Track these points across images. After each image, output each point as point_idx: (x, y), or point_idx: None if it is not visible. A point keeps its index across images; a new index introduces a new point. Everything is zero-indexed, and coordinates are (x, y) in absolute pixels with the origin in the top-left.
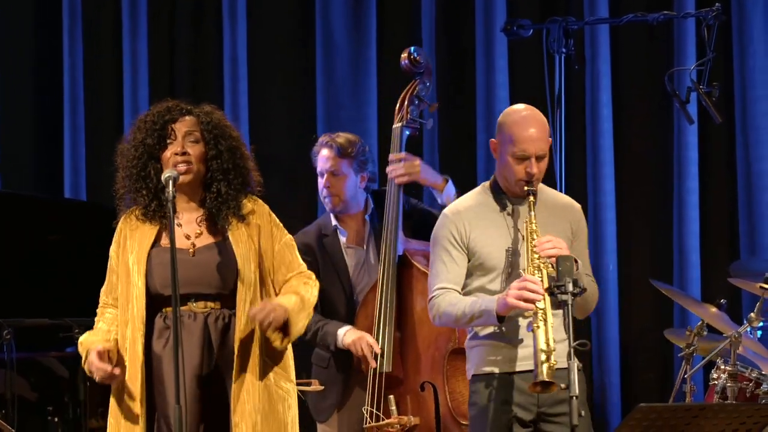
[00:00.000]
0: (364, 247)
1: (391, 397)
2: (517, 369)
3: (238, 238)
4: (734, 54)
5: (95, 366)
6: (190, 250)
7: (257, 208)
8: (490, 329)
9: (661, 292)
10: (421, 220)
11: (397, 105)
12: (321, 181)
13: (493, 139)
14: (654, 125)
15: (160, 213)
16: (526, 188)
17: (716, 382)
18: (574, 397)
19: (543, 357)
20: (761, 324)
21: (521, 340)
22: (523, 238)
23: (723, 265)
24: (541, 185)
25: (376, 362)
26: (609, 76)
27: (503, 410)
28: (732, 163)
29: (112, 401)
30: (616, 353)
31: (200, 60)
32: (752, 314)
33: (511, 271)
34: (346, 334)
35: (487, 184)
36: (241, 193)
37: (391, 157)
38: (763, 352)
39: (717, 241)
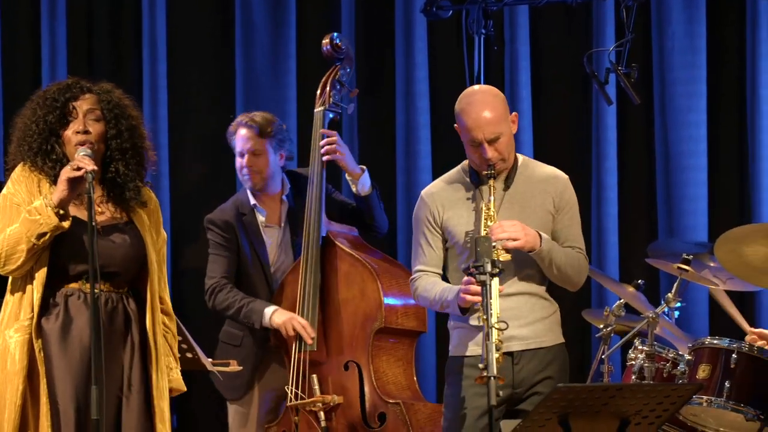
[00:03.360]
0: (281, 226)
1: (314, 376)
2: None
3: (142, 223)
4: (653, 35)
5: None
6: (98, 228)
7: (153, 199)
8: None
9: None
10: (336, 210)
11: (319, 89)
12: (240, 161)
13: (455, 125)
14: (573, 106)
15: None
16: (485, 172)
17: (633, 362)
18: (492, 378)
19: (493, 350)
20: (678, 304)
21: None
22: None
23: (641, 246)
24: (526, 160)
25: (312, 340)
26: (528, 57)
27: (478, 392)
28: (650, 145)
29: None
30: None
31: (119, 41)
32: (669, 295)
33: None
34: (275, 314)
35: (466, 163)
36: (138, 174)
37: (325, 134)
38: (680, 332)
39: (635, 222)
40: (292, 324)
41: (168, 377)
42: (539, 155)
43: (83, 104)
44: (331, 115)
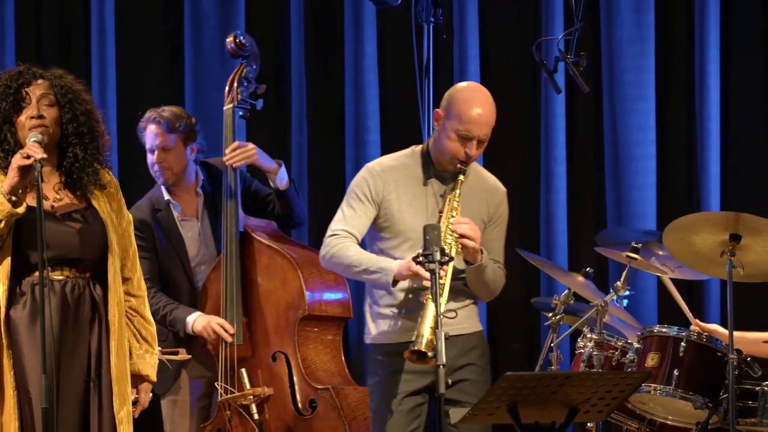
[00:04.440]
0: (198, 218)
1: (243, 370)
2: (413, 338)
3: (102, 207)
4: (602, 24)
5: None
6: (57, 215)
7: (113, 181)
8: (391, 299)
9: (528, 261)
10: (255, 201)
11: (227, 87)
12: (151, 157)
13: (438, 109)
14: (522, 95)
15: None
16: (458, 166)
17: (582, 350)
18: (441, 366)
19: (427, 329)
20: (627, 293)
21: (419, 313)
22: (441, 213)
23: (590, 235)
24: (474, 164)
25: (232, 337)
26: (477, 45)
27: (400, 379)
28: (599, 133)
29: None
30: (484, 322)
31: (67, 29)
32: (618, 283)
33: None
34: (196, 321)
35: (417, 149)
36: (96, 158)
37: (227, 150)
38: (629, 320)
39: (584, 211)
40: (211, 327)
41: (131, 360)
42: (488, 144)
43: (36, 90)
44: (240, 113)
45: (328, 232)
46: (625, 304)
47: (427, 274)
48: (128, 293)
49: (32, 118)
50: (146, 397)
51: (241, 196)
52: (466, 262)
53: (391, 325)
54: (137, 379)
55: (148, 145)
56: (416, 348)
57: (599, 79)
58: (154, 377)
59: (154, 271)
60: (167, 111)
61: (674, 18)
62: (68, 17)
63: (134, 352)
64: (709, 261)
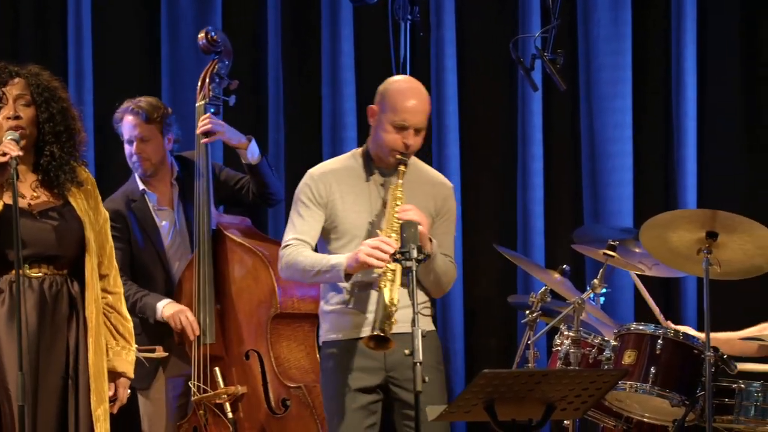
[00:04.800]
0: (174, 208)
1: (217, 369)
2: (362, 335)
3: (79, 204)
4: (579, 22)
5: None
6: (34, 212)
7: (89, 178)
8: (340, 297)
9: (506, 257)
10: (228, 186)
11: (199, 83)
12: (129, 148)
13: (372, 106)
14: (499, 92)
15: None
16: (398, 157)
17: (559, 348)
18: (418, 363)
19: (383, 313)
20: (604, 290)
21: (370, 308)
22: (385, 206)
23: (567, 232)
24: (415, 159)
25: (193, 335)
26: (454, 43)
27: (350, 376)
28: (576, 131)
29: None
30: (461, 319)
31: (44, 26)
32: (595, 281)
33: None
34: (165, 307)
35: (358, 150)
36: (73, 156)
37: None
38: (606, 318)
39: (561, 208)
40: (179, 317)
41: (108, 357)
42: (465, 141)
43: (13, 89)
44: (212, 109)
45: (282, 245)
46: (601, 302)
47: (376, 263)
48: (105, 290)
49: (9, 118)
50: (124, 392)
51: (213, 190)
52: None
53: (340, 322)
54: (114, 375)
55: (126, 136)
56: (375, 333)
57: (576, 77)
58: (131, 374)
59: (126, 261)
60: (144, 101)
61: (651, 16)
62: (45, 14)
63: (111, 348)
64: (686, 258)
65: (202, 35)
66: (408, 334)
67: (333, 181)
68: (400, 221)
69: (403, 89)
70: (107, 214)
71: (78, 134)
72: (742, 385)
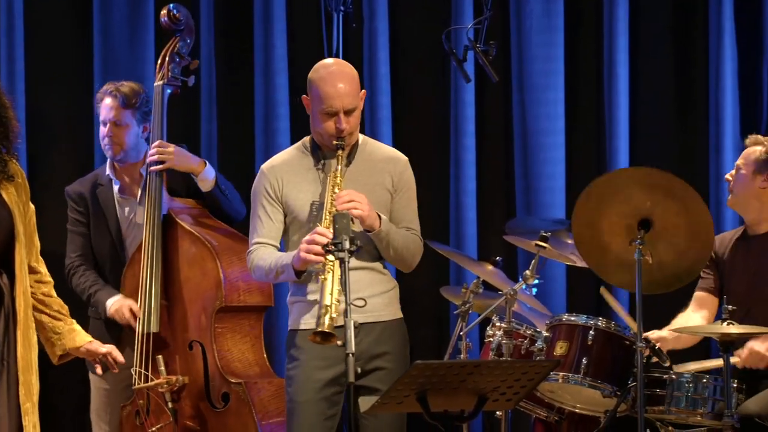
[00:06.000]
0: (137, 198)
1: (160, 357)
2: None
3: (10, 196)
4: (511, 13)
5: None
6: None
7: (20, 171)
8: (300, 288)
9: (437, 250)
10: (185, 177)
11: (158, 62)
12: (103, 129)
13: (305, 96)
14: (431, 83)
15: None
16: (335, 143)
17: (492, 339)
18: (350, 354)
19: (323, 309)
20: (536, 281)
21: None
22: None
23: (499, 223)
24: (367, 139)
25: (136, 323)
26: (387, 34)
27: (312, 366)
28: (508, 122)
29: None
30: None
31: None
32: (527, 272)
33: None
34: (112, 305)
35: (307, 139)
36: (5, 146)
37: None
38: (539, 307)
39: (493, 199)
40: (123, 311)
41: (62, 341)
42: (398, 133)
43: None
44: (170, 90)
45: (248, 249)
46: (534, 293)
47: (313, 258)
48: (40, 281)
49: None
50: (104, 347)
51: (168, 177)
52: (368, 231)
53: (301, 313)
54: (79, 351)
55: (101, 117)
56: (319, 329)
57: (509, 68)
58: (89, 336)
59: (87, 247)
60: (126, 86)
61: (583, 7)
62: None
63: (60, 333)
64: (619, 258)
65: (163, 12)
66: (369, 324)
67: (283, 173)
68: (334, 213)
69: (324, 76)
70: (34, 208)
71: (10, 122)
72: (674, 376)
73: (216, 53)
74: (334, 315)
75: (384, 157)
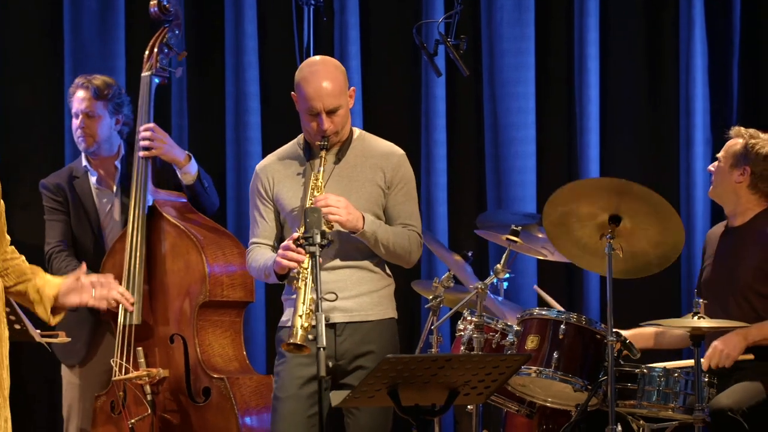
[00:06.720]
0: (114, 190)
1: (140, 349)
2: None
3: None
4: (482, 7)
5: None
6: None
7: None
8: (290, 287)
9: None
10: (170, 171)
11: (146, 53)
12: (75, 122)
13: (293, 93)
14: (402, 77)
15: None
16: (318, 143)
17: (462, 333)
18: (321, 349)
19: (295, 319)
20: (507, 276)
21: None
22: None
23: (470, 217)
24: (364, 133)
25: (132, 306)
26: (358, 27)
27: (298, 362)
28: (479, 116)
29: None
30: None
31: None
32: (498, 266)
33: None
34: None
35: (301, 136)
36: None
37: (140, 128)
38: (509, 302)
39: (464, 193)
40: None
41: (41, 297)
42: (369, 126)
43: None
44: (157, 80)
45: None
46: (505, 287)
47: (286, 262)
48: (4, 260)
49: None
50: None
51: (153, 170)
52: (352, 233)
53: (291, 310)
54: (64, 294)
55: (74, 110)
56: (291, 341)
57: (479, 62)
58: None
59: (68, 234)
60: (98, 78)
61: (554, 1)
62: None
63: (39, 290)
64: (590, 250)
65: (153, 2)
66: (355, 323)
67: (275, 172)
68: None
69: (306, 75)
70: (3, 205)
71: None
72: (645, 370)
73: (186, 47)
74: (305, 324)
75: (378, 153)
